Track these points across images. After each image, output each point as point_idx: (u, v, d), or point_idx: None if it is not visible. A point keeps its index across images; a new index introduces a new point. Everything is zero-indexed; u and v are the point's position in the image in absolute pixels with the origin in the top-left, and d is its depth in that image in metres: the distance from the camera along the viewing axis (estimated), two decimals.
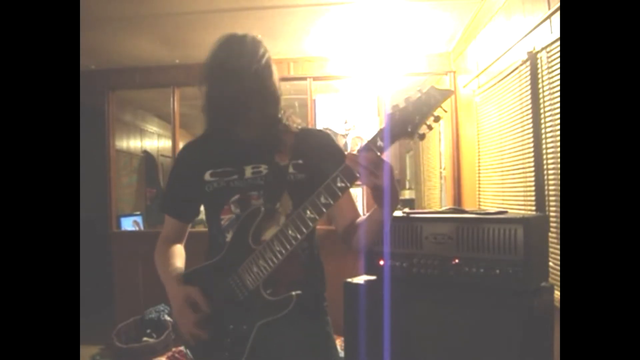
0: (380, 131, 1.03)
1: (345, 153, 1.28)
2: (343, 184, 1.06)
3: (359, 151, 1.05)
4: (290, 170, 1.26)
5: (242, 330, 1.19)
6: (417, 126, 1.01)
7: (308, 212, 1.09)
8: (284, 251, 1.13)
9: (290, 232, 1.12)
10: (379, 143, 1.02)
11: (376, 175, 1.02)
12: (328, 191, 1.07)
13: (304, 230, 1.10)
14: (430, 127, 1.03)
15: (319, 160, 1.26)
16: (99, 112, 4.24)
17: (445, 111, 1.02)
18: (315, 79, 4.08)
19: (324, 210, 1.08)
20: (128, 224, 4.58)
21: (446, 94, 1.00)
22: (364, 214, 1.25)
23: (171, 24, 3.28)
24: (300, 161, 1.27)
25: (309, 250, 1.29)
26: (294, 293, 1.15)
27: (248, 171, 1.26)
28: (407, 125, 1.01)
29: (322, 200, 1.08)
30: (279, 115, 1.29)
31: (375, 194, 1.07)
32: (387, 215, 1.12)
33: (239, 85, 1.19)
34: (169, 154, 4.81)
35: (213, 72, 1.23)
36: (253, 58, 1.21)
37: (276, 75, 1.26)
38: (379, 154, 1.02)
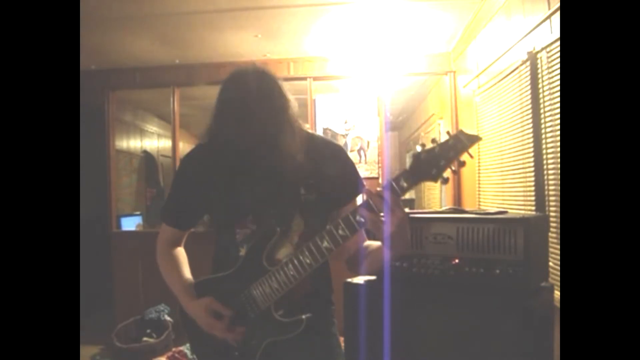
0: (405, 171, 1.03)
1: (363, 182, 1.31)
2: (362, 220, 1.06)
3: (383, 188, 1.05)
4: (302, 191, 1.25)
5: (250, 345, 1.21)
6: (442, 170, 1.00)
7: (325, 242, 1.10)
8: (297, 277, 1.14)
9: (305, 259, 1.13)
10: (402, 183, 1.02)
11: (393, 215, 1.03)
12: (346, 224, 1.08)
13: (320, 259, 1.12)
14: (454, 172, 1.01)
15: (330, 180, 1.25)
16: (99, 112, 4.24)
17: (472, 157, 1.01)
18: (315, 79, 4.08)
19: (341, 242, 1.09)
20: (128, 224, 4.57)
21: (474, 139, 0.98)
22: None
23: (171, 24, 3.27)
24: (311, 181, 1.25)
25: None
26: (304, 317, 1.17)
27: (259, 189, 1.23)
28: (431, 168, 1.00)
29: (340, 232, 1.08)
30: (287, 126, 1.22)
31: (381, 236, 1.08)
32: (388, 261, 1.15)
33: (248, 91, 1.18)
34: (169, 154, 4.80)
35: (226, 82, 1.24)
36: (263, 74, 1.22)
37: (290, 99, 1.25)
38: (399, 193, 1.03)
